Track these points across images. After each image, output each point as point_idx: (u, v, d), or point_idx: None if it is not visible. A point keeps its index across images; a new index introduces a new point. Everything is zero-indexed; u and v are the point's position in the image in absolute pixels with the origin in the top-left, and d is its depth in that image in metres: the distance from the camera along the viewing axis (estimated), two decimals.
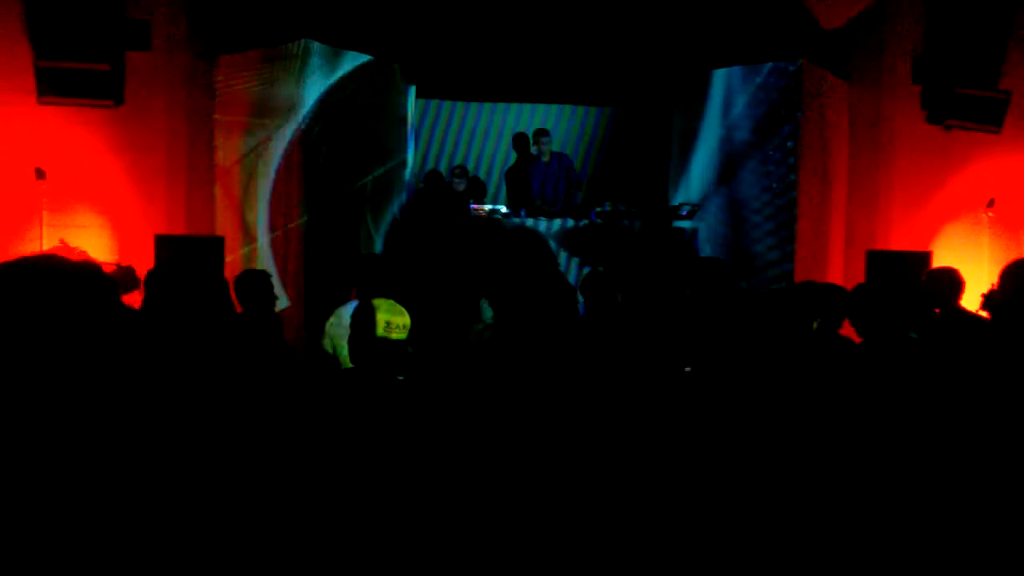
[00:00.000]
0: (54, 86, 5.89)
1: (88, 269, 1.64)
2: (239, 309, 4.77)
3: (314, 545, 2.01)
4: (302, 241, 6.78)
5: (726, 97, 7.91)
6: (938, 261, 6.58)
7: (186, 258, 5.62)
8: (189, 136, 6.26)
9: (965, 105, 6.91)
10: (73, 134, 6.04)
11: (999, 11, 6.93)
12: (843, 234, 7.25)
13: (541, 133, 8.12)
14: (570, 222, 7.33)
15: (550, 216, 7.45)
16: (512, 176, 8.31)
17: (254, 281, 4.62)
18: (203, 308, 5.08)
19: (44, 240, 5.89)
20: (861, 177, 7.19)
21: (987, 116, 6.96)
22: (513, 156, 8.69)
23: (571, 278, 6.94)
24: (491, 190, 8.79)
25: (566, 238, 7.17)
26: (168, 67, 6.13)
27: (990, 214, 7.03)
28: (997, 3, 6.91)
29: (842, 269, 7.16)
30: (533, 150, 8.16)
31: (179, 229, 6.09)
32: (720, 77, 7.98)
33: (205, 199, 6.34)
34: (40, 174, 5.91)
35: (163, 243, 5.74)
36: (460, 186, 7.99)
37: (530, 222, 7.30)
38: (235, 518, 1.89)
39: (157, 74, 6.11)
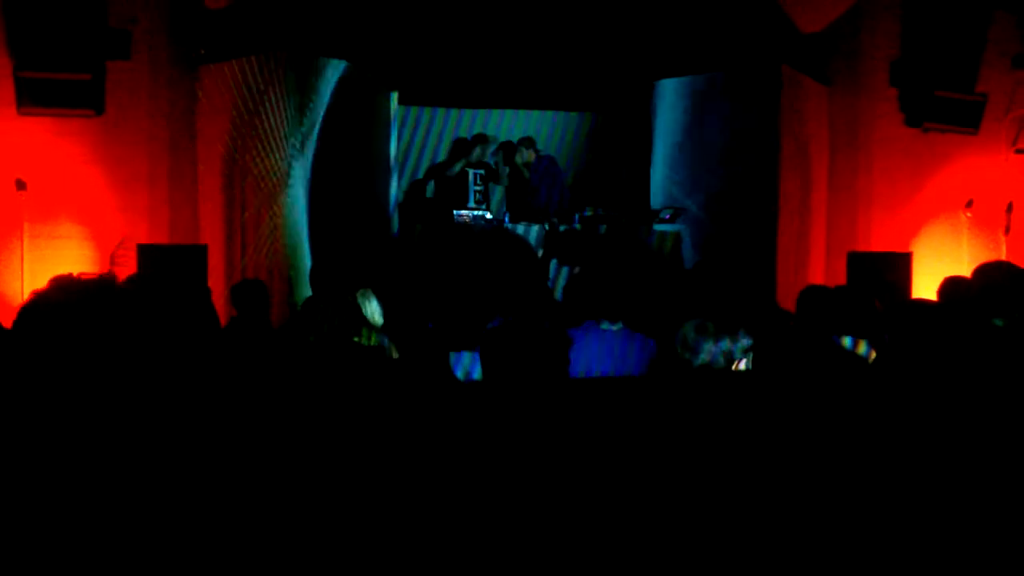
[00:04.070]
0: (34, 96, 5.85)
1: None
2: (234, 316, 4.80)
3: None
4: (285, 248, 6.77)
5: (707, 102, 7.97)
6: (918, 261, 6.66)
7: (169, 267, 5.60)
8: (171, 145, 6.23)
9: (943, 108, 7.01)
10: (54, 145, 6.01)
11: (975, 15, 7.03)
12: (824, 235, 7.31)
13: (521, 142, 8.23)
14: (552, 227, 7.36)
15: (533, 221, 7.47)
16: (510, 184, 8.36)
17: (250, 290, 4.69)
18: (186, 316, 5.06)
19: (25, 251, 5.87)
20: (841, 179, 7.26)
21: (964, 118, 7.06)
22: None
23: (556, 282, 6.97)
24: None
25: (550, 243, 7.19)
26: (149, 76, 6.11)
27: (969, 214, 7.12)
28: (973, 7, 7.01)
29: (823, 270, 7.22)
30: (517, 159, 8.20)
31: (162, 238, 6.07)
32: (701, 82, 8.04)
33: (188, 208, 6.32)
34: (21, 185, 5.88)
35: (146, 252, 5.72)
36: (483, 155, 8.12)
37: (514, 227, 7.31)
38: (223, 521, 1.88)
39: (138, 84, 6.08)
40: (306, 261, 7.11)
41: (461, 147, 8.31)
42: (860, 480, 2.19)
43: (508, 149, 8.45)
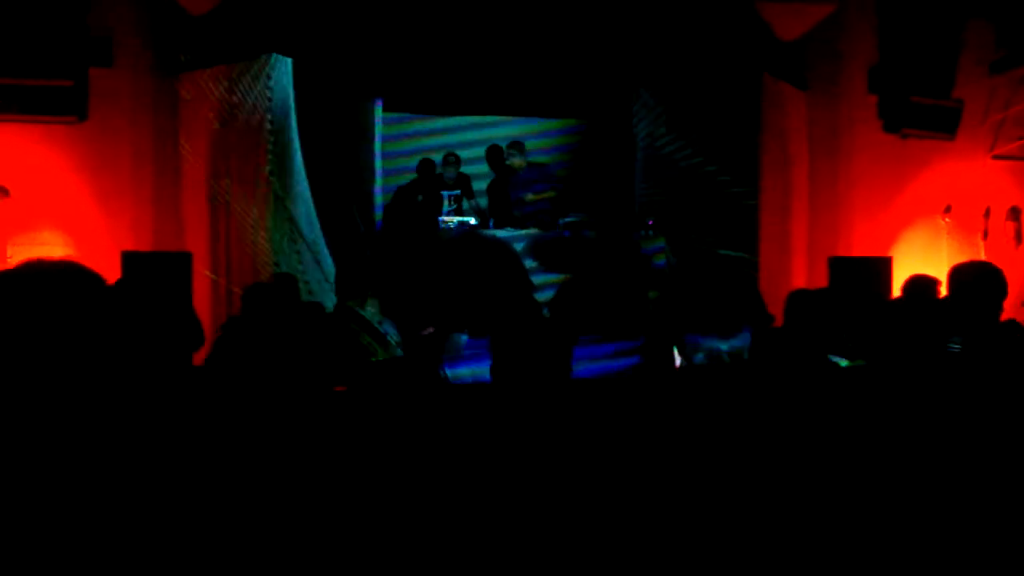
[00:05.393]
0: (16, 103, 5.83)
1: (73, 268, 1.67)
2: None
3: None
4: (270, 254, 6.75)
5: (689, 109, 8.01)
6: (898, 266, 6.74)
7: (154, 274, 5.57)
8: (154, 151, 6.21)
9: (920, 114, 7.11)
10: (36, 152, 5.98)
11: (950, 22, 7.14)
12: (805, 241, 7.37)
13: (511, 145, 8.15)
14: (539, 233, 7.36)
15: (519, 227, 7.47)
16: (493, 190, 8.30)
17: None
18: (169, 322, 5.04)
19: (7, 259, 5.81)
20: (821, 186, 7.33)
21: (942, 124, 7.17)
22: (481, 169, 8.70)
23: (541, 288, 6.97)
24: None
25: (535, 249, 7.19)
26: (132, 83, 6.10)
27: (947, 220, 7.21)
28: (948, 15, 7.12)
29: (805, 276, 7.28)
30: (508, 162, 8.15)
31: (146, 245, 6.04)
32: (683, 89, 8.09)
33: (172, 214, 6.29)
34: (3, 192, 5.84)
35: (130, 260, 5.69)
36: (450, 175, 7.98)
37: (500, 234, 7.31)
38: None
39: (121, 90, 6.07)
40: (325, 267, 7.15)
41: (428, 168, 8.17)
42: (854, 478, 2.22)
43: (496, 153, 8.41)
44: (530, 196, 7.88)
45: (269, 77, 6.76)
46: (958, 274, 3.36)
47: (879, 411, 2.56)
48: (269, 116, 6.77)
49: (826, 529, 2.14)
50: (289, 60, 6.92)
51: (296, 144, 7.16)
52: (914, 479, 2.27)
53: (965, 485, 2.25)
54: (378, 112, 8.13)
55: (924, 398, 2.56)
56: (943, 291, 4.90)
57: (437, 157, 8.23)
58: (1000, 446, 2.35)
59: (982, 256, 7.09)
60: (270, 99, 6.83)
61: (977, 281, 3.28)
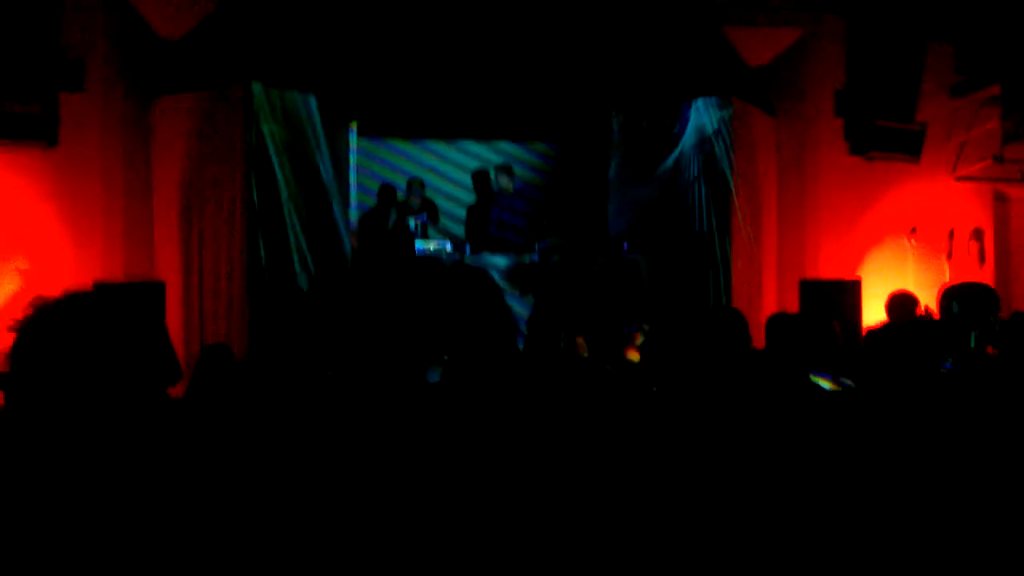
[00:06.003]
0: None
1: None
2: None
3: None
4: (246, 280, 6.67)
5: (660, 133, 8.08)
6: (866, 287, 6.85)
7: (125, 304, 5.47)
8: (126, 178, 6.12)
9: (885, 137, 7.25)
10: (3, 178, 5.85)
11: (914, 47, 7.31)
12: (775, 263, 7.46)
13: (499, 168, 8.11)
14: (515, 258, 7.36)
15: (495, 252, 7.46)
16: (473, 213, 8.24)
17: None
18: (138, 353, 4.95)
19: None
20: (790, 208, 7.43)
21: (906, 146, 7.32)
22: (455, 193, 8.71)
23: (517, 312, 6.96)
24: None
25: (511, 274, 7.19)
26: (104, 108, 6.00)
27: (913, 241, 7.35)
28: (912, 40, 7.28)
29: (776, 297, 7.36)
30: (494, 186, 8.12)
31: (117, 275, 5.94)
32: (654, 114, 8.16)
33: (144, 243, 6.20)
34: None
35: (101, 290, 5.58)
36: (415, 202, 7.90)
37: (475, 259, 7.30)
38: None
39: (92, 116, 5.96)
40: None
41: (389, 195, 8.13)
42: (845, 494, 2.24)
43: (482, 178, 8.36)
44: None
45: (244, 103, 6.68)
46: (953, 294, 3.42)
47: (870, 433, 2.59)
48: (243, 142, 6.69)
49: (812, 553, 2.16)
50: (264, 86, 6.85)
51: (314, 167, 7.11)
52: (908, 501, 2.30)
53: (960, 504, 2.29)
54: (352, 136, 8.08)
55: (917, 419, 2.60)
56: (922, 309, 5.02)
57: (404, 182, 8.21)
58: (994, 465, 2.39)
59: (947, 276, 7.24)
60: (244, 125, 6.76)
61: (974, 301, 3.35)
